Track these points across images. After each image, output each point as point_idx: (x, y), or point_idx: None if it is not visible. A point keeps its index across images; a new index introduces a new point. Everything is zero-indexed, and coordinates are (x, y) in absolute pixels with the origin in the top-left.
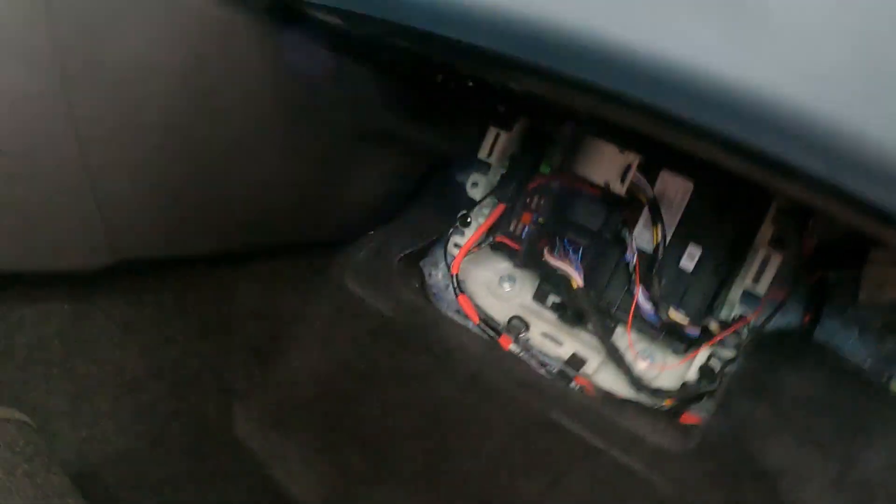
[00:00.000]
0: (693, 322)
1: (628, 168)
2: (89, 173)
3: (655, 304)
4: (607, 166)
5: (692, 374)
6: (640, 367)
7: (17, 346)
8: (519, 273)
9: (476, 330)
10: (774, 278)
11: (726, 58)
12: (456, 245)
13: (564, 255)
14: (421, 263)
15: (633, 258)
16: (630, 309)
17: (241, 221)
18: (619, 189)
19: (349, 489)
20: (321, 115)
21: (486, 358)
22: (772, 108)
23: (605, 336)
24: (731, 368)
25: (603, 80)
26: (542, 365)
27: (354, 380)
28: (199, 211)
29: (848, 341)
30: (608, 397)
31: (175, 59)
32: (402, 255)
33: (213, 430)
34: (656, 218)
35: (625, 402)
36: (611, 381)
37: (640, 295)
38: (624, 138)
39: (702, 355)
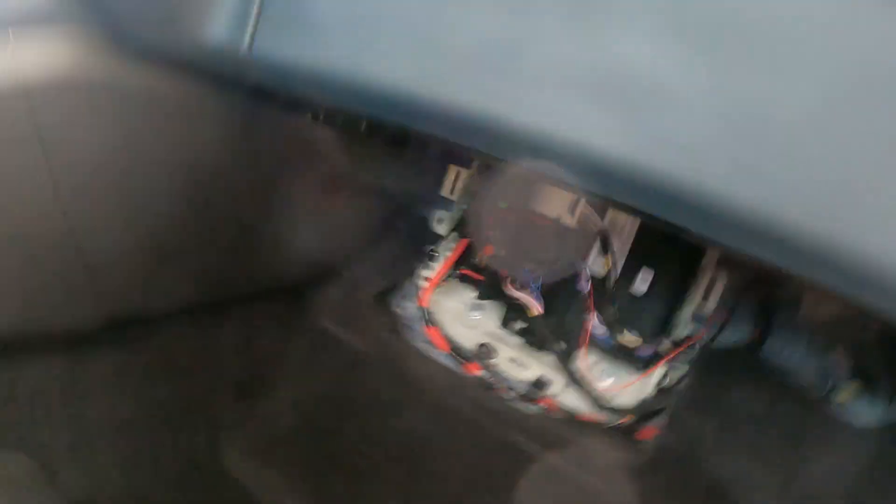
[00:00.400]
0: (647, 343)
1: (579, 201)
2: (75, 242)
3: (610, 328)
4: (558, 200)
5: (649, 390)
6: (601, 385)
7: (19, 394)
8: (486, 301)
9: (446, 359)
10: (721, 297)
11: (611, 136)
12: (424, 279)
13: (524, 286)
14: (392, 298)
15: (586, 287)
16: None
17: (220, 272)
18: (570, 222)
19: None
20: (287, 167)
21: (452, 387)
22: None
23: (564, 360)
24: (683, 385)
25: (515, 155)
26: (510, 388)
27: (333, 411)
28: (181, 268)
29: (793, 356)
30: (567, 418)
31: (149, 131)
32: (373, 292)
33: (204, 463)
34: (606, 247)
35: (582, 422)
36: (574, 400)
37: (594, 320)
38: None
39: (658, 373)
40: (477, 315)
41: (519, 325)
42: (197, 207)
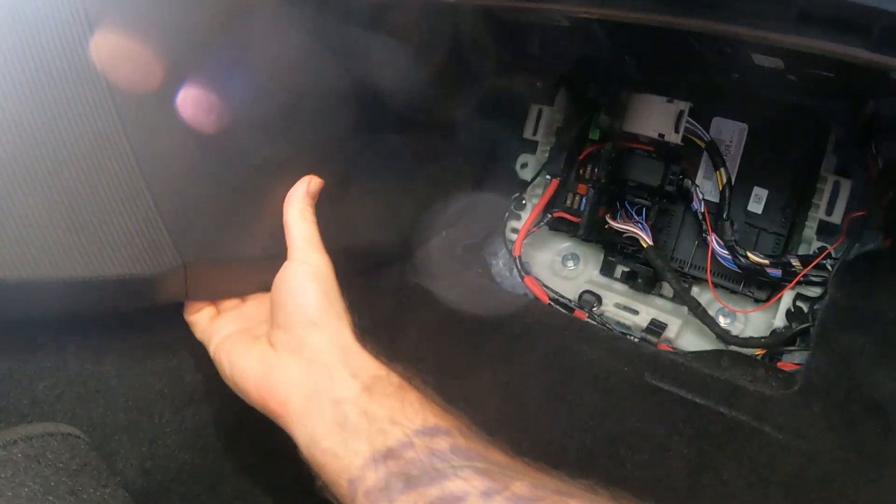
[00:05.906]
0: (773, 262)
1: (680, 115)
2: (145, 177)
3: (731, 250)
4: (658, 118)
5: (779, 319)
6: (724, 322)
7: (68, 359)
8: (581, 250)
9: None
10: (847, 206)
11: None
12: (513, 230)
13: (628, 218)
14: (484, 249)
15: (700, 206)
16: (705, 260)
17: None
18: (675, 138)
19: None
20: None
21: (568, 329)
22: None
23: (683, 291)
24: (820, 305)
25: None
26: (622, 335)
27: (426, 371)
28: (260, 213)
29: None
30: (699, 353)
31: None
32: (461, 246)
33: (286, 440)
34: (717, 160)
35: (716, 353)
36: (694, 342)
37: (713, 243)
38: (671, 86)
39: (786, 298)
40: (572, 265)
41: (622, 268)
42: (279, 148)
